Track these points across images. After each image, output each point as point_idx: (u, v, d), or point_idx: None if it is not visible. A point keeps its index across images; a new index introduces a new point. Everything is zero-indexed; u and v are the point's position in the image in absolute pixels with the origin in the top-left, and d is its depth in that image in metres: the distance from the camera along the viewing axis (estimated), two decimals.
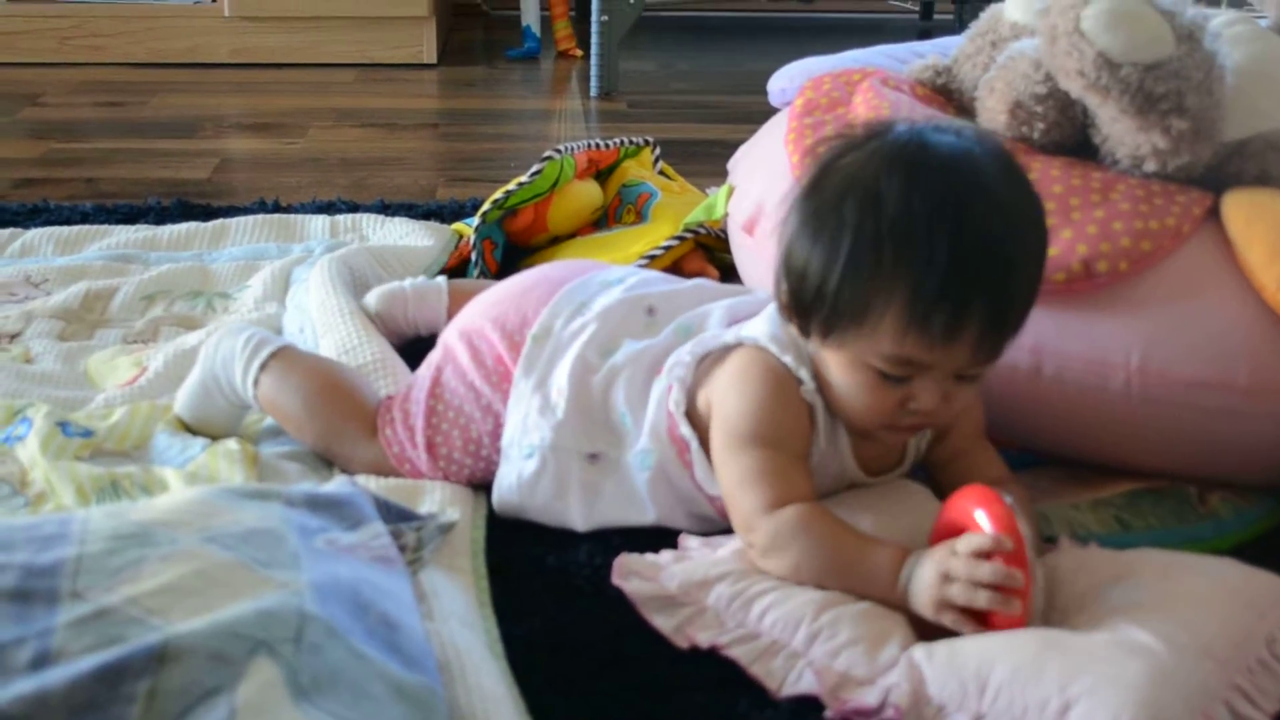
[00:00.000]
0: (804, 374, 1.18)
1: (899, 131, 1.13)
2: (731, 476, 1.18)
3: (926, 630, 1.08)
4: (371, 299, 1.66)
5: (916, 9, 4.35)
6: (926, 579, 1.07)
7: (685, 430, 1.22)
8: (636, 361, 1.27)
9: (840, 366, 1.15)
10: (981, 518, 1.06)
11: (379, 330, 1.61)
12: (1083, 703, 0.95)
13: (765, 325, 1.21)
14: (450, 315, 1.56)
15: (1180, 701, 0.95)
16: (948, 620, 1.05)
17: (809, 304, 1.13)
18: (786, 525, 1.13)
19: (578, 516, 1.27)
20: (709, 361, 1.23)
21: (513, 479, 1.28)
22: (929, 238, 1.07)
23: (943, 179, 1.09)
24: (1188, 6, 1.31)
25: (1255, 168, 1.36)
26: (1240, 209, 1.29)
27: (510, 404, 1.30)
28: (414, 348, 1.59)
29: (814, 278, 1.12)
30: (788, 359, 1.18)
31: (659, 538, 1.23)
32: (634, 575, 1.15)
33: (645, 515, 1.26)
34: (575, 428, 1.26)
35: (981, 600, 1.02)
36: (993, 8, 1.62)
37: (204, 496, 1.04)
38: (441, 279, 1.71)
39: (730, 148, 1.76)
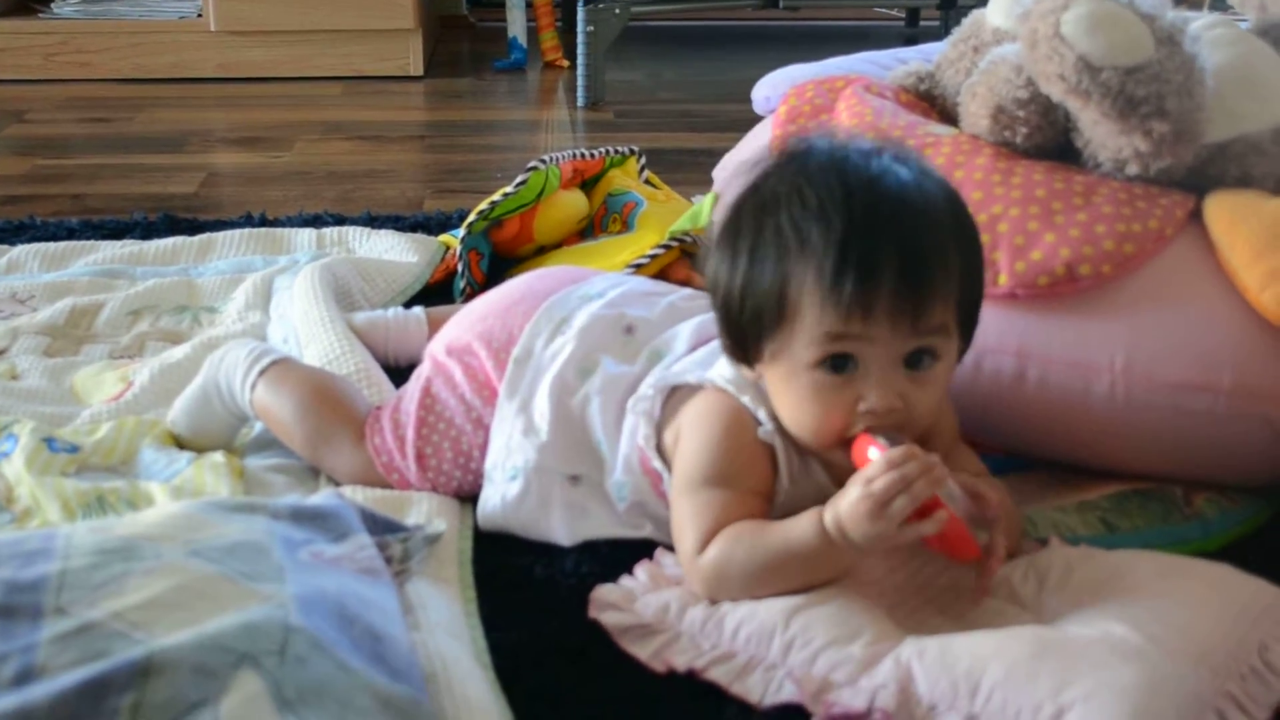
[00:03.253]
0: (761, 415, 1.17)
1: (789, 145, 1.17)
2: (675, 519, 1.17)
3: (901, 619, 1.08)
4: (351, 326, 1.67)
5: (902, 16, 4.36)
6: (848, 505, 1.07)
7: (657, 464, 1.22)
8: (611, 389, 1.27)
9: (784, 383, 1.13)
10: (872, 452, 1.09)
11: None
12: (1076, 709, 0.94)
13: (727, 368, 1.20)
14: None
15: (1173, 709, 0.94)
16: (897, 529, 1.05)
17: (736, 323, 1.14)
18: (714, 561, 1.12)
19: (562, 534, 1.26)
20: (677, 398, 1.23)
21: (496, 501, 1.28)
22: (823, 213, 1.08)
23: (829, 166, 1.12)
24: (1168, 10, 1.31)
25: (1237, 169, 1.36)
26: (1223, 211, 1.29)
27: (494, 426, 1.30)
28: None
29: (727, 289, 1.14)
30: (745, 399, 1.17)
31: (646, 547, 1.23)
32: (609, 608, 1.14)
33: (635, 533, 1.26)
34: (558, 449, 1.26)
35: (900, 504, 1.04)
36: (975, 13, 1.63)
37: (188, 510, 1.04)
38: (419, 309, 1.70)
39: (717, 156, 1.77)
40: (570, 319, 1.32)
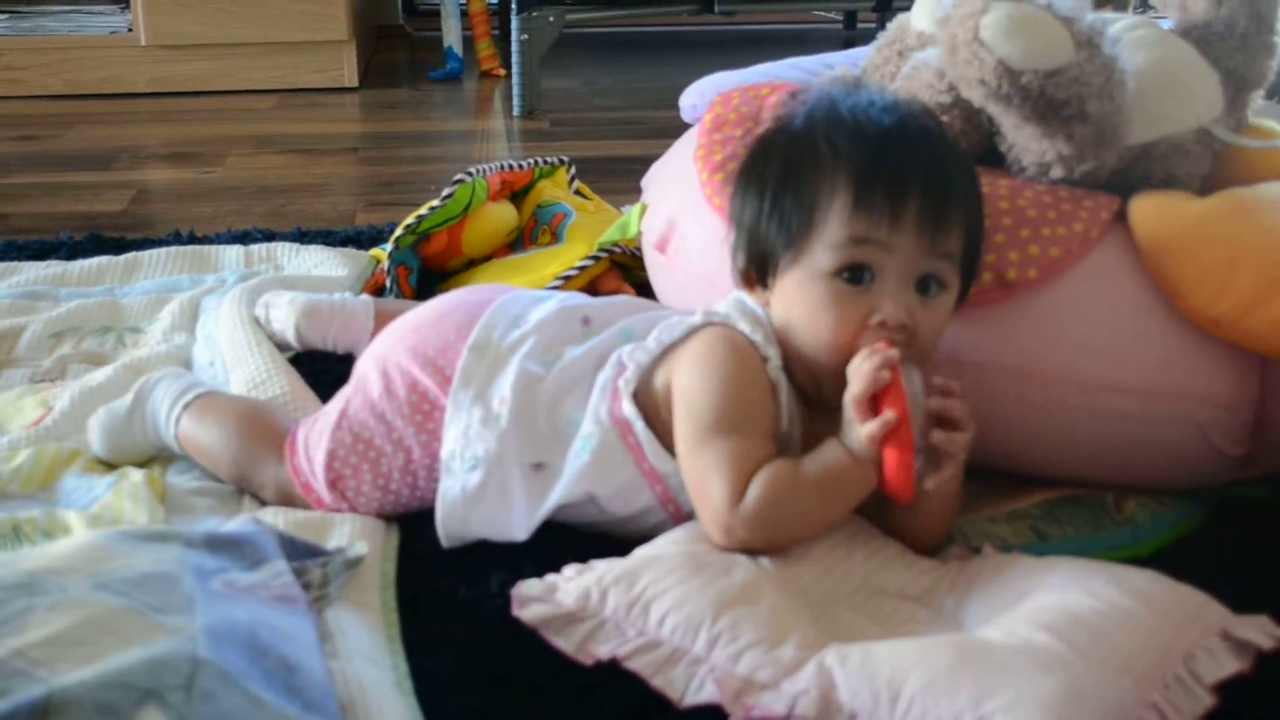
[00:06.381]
0: (771, 352, 1.19)
1: (805, 98, 1.27)
2: (698, 472, 1.16)
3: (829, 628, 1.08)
4: (294, 312, 1.66)
5: (840, 19, 4.36)
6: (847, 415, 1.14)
7: (629, 409, 1.21)
8: (581, 361, 1.27)
9: (799, 290, 1.18)
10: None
11: (297, 340, 1.67)
12: None
13: (731, 307, 1.23)
14: (374, 337, 1.53)
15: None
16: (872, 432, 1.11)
17: (762, 237, 1.21)
18: (760, 504, 1.13)
19: (520, 526, 1.23)
20: (671, 346, 1.23)
21: (456, 492, 1.24)
22: (859, 130, 1.18)
23: (855, 105, 1.22)
24: (1087, 12, 1.30)
25: (1161, 170, 1.36)
26: (1147, 212, 1.28)
27: (448, 416, 1.27)
28: (327, 367, 1.59)
29: (756, 208, 1.22)
30: (758, 337, 1.20)
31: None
32: (531, 601, 1.12)
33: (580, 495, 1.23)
34: (520, 437, 1.24)
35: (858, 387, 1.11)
36: (900, 17, 1.62)
37: (98, 541, 1.01)
38: (366, 297, 1.71)
39: (653, 164, 1.75)
40: (525, 315, 1.32)
